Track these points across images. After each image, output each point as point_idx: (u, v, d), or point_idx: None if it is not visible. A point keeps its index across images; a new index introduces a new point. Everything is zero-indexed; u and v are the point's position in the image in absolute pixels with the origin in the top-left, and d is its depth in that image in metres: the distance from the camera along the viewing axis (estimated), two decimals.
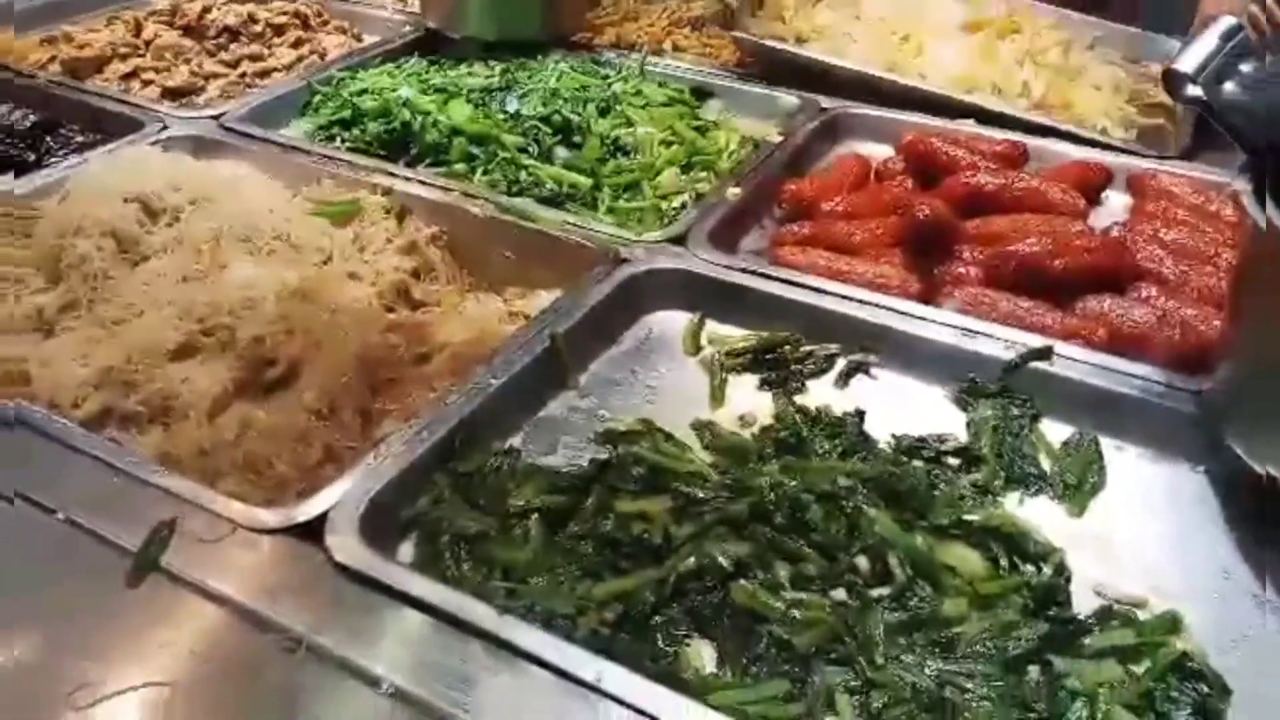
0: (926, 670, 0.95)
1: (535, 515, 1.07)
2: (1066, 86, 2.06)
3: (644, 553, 1.03)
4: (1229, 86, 1.19)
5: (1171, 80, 1.22)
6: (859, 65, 2.06)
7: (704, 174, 1.85)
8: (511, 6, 2.29)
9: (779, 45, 2.14)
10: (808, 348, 1.39)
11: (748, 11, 2.25)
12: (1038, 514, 1.16)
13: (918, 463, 1.21)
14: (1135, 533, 1.15)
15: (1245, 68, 1.20)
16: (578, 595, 0.98)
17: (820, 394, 1.34)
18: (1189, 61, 1.20)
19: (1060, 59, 2.13)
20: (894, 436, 1.25)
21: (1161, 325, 1.40)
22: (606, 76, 2.13)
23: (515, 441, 1.22)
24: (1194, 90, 1.20)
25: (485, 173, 1.79)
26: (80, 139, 1.89)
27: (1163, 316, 1.42)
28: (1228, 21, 1.23)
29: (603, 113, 1.98)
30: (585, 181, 1.77)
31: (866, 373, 1.38)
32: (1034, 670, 0.97)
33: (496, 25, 2.28)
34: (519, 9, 2.30)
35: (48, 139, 1.89)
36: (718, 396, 1.33)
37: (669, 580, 1.00)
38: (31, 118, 1.95)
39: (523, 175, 1.77)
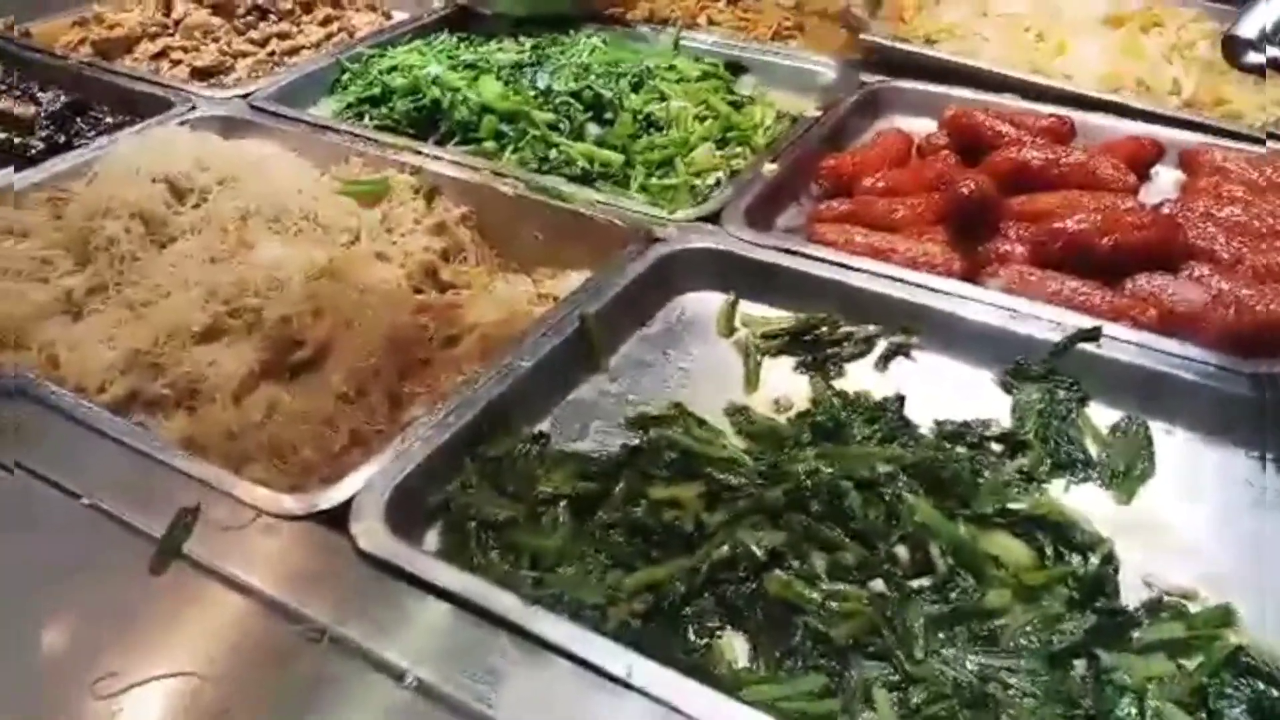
0: (968, 664, 0.92)
1: (564, 502, 1.04)
2: (1218, 81, 1.90)
3: (675, 541, 1.00)
4: None
5: (1232, 46, 1.15)
6: (1004, 68, 1.92)
7: (739, 150, 1.81)
8: None
9: (914, 49, 2.02)
10: (846, 329, 1.35)
11: (869, 11, 2.16)
12: (1085, 501, 1.12)
13: (961, 448, 1.17)
14: (1186, 521, 1.11)
15: None
16: (607, 585, 0.95)
17: (859, 377, 1.30)
18: (1250, 26, 1.14)
19: (1209, 53, 1.97)
20: (936, 422, 1.20)
21: (1215, 305, 1.35)
22: (639, 51, 2.09)
23: (545, 426, 1.20)
24: (1256, 56, 1.14)
25: (515, 150, 1.76)
26: (110, 120, 1.89)
27: (1216, 296, 1.36)
28: None
29: (635, 88, 1.93)
30: (617, 158, 1.74)
31: (907, 355, 1.34)
32: (1080, 664, 0.93)
33: (527, 1, 2.24)
34: None
35: (78, 120, 1.89)
36: (752, 380, 1.29)
37: (701, 570, 0.97)
38: (63, 99, 1.94)
39: (553, 153, 1.74)
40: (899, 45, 2.03)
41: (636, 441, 1.12)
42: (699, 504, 1.03)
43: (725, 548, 0.98)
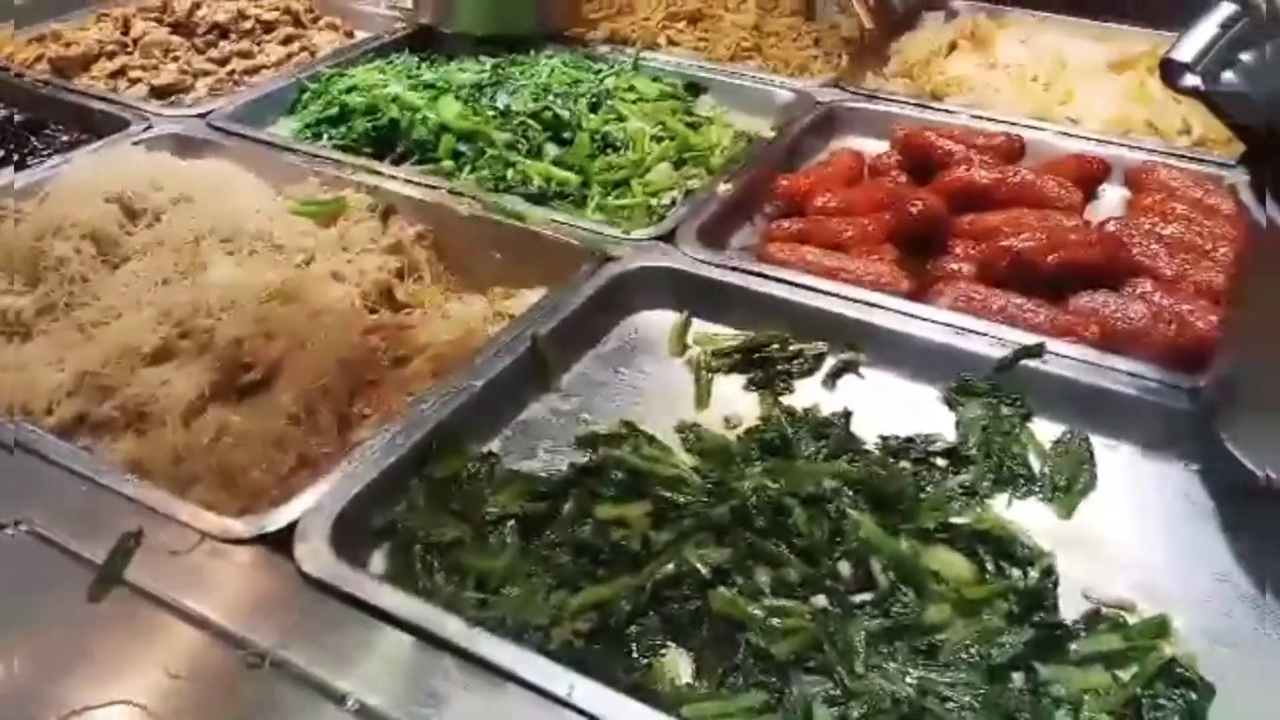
0: (907, 679, 0.93)
1: (511, 522, 1.05)
2: None
3: (621, 560, 1.01)
4: (1227, 75, 1.15)
5: (1169, 70, 1.17)
6: (1008, 118, 1.90)
7: (696, 170, 1.83)
8: (504, 1, 2.26)
9: (920, 103, 1.99)
10: (795, 347, 1.37)
11: (873, 66, 2.15)
12: (1027, 515, 1.14)
13: (905, 464, 1.19)
14: (1127, 534, 1.13)
15: (1245, 56, 1.15)
16: (552, 605, 0.96)
17: (808, 394, 1.32)
18: (1187, 50, 1.16)
19: None
20: (881, 437, 1.22)
21: (1156, 321, 1.37)
22: (599, 71, 2.11)
23: (495, 446, 1.20)
24: (1192, 80, 1.16)
25: (473, 170, 1.77)
26: (65, 138, 1.88)
27: (1158, 312, 1.39)
28: (1227, 8, 1.19)
29: (593, 108, 1.95)
30: (574, 178, 1.75)
31: (855, 372, 1.36)
32: (1018, 677, 0.94)
33: (489, 20, 2.26)
34: (511, 4, 2.28)
35: (32, 139, 1.87)
36: (703, 397, 1.31)
37: (646, 588, 0.98)
38: (17, 117, 1.93)
39: (510, 172, 1.75)
40: (913, 102, 2.00)
41: (585, 460, 1.13)
42: (646, 522, 1.04)
43: (670, 565, 0.99)
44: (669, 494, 1.07)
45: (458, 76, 2.06)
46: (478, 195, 1.64)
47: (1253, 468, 1.10)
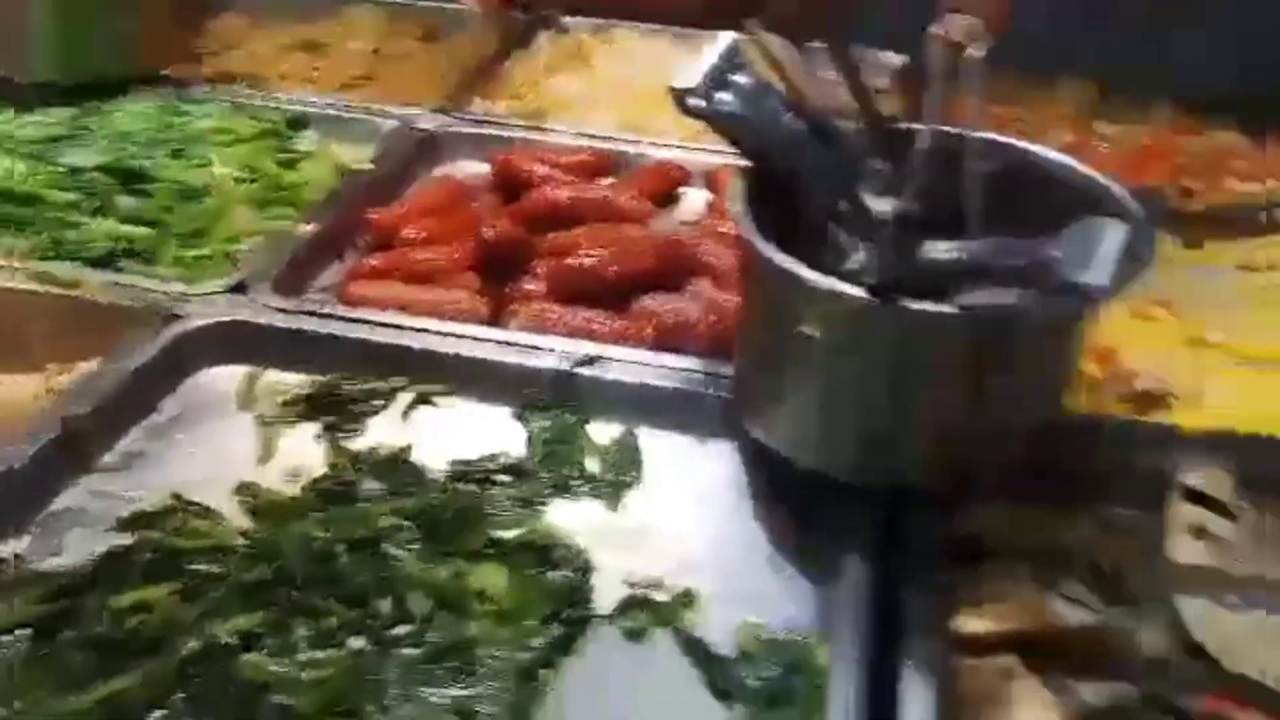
0: (447, 700, 0.97)
1: (23, 629, 0.98)
2: None
3: (143, 647, 0.97)
4: (722, 96, 1.27)
5: (676, 96, 1.28)
6: (605, 133, 2.00)
7: (283, 210, 1.78)
8: (81, 44, 2.09)
9: (524, 124, 2.05)
10: (369, 386, 1.38)
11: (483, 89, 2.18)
12: (580, 517, 1.21)
13: (471, 486, 1.23)
14: (671, 520, 1.22)
15: (739, 78, 1.28)
16: (64, 710, 0.91)
17: (380, 433, 1.32)
18: (690, 78, 1.27)
19: None
20: (450, 464, 1.26)
21: (704, 315, 1.50)
22: (190, 115, 2.01)
23: (22, 544, 1.11)
24: (695, 102, 1.27)
25: (27, 237, 1.64)
26: None
27: (707, 307, 1.51)
28: (726, 39, 1.31)
29: (177, 155, 1.86)
30: (145, 233, 1.66)
31: (431, 404, 1.39)
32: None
33: (67, 67, 2.08)
34: (91, 46, 2.11)
35: None
36: (265, 453, 1.29)
37: (171, 670, 0.95)
38: None
39: (72, 235, 1.63)
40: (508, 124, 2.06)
41: (110, 549, 1.08)
42: (172, 602, 1.01)
43: (195, 642, 0.97)
44: (205, 566, 1.05)
45: (26, 132, 1.90)
46: (25, 265, 1.52)
47: (774, 446, 1.23)
